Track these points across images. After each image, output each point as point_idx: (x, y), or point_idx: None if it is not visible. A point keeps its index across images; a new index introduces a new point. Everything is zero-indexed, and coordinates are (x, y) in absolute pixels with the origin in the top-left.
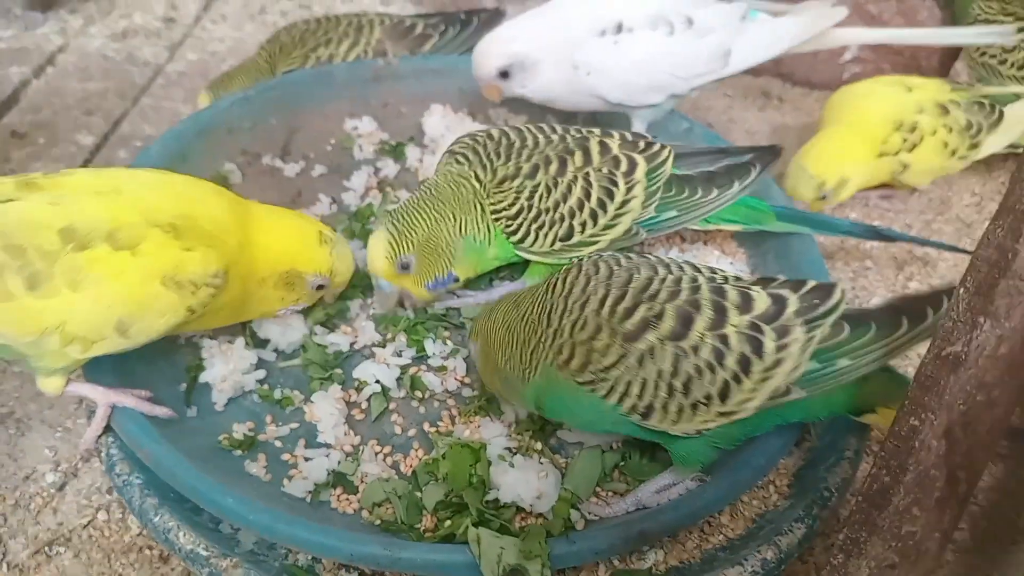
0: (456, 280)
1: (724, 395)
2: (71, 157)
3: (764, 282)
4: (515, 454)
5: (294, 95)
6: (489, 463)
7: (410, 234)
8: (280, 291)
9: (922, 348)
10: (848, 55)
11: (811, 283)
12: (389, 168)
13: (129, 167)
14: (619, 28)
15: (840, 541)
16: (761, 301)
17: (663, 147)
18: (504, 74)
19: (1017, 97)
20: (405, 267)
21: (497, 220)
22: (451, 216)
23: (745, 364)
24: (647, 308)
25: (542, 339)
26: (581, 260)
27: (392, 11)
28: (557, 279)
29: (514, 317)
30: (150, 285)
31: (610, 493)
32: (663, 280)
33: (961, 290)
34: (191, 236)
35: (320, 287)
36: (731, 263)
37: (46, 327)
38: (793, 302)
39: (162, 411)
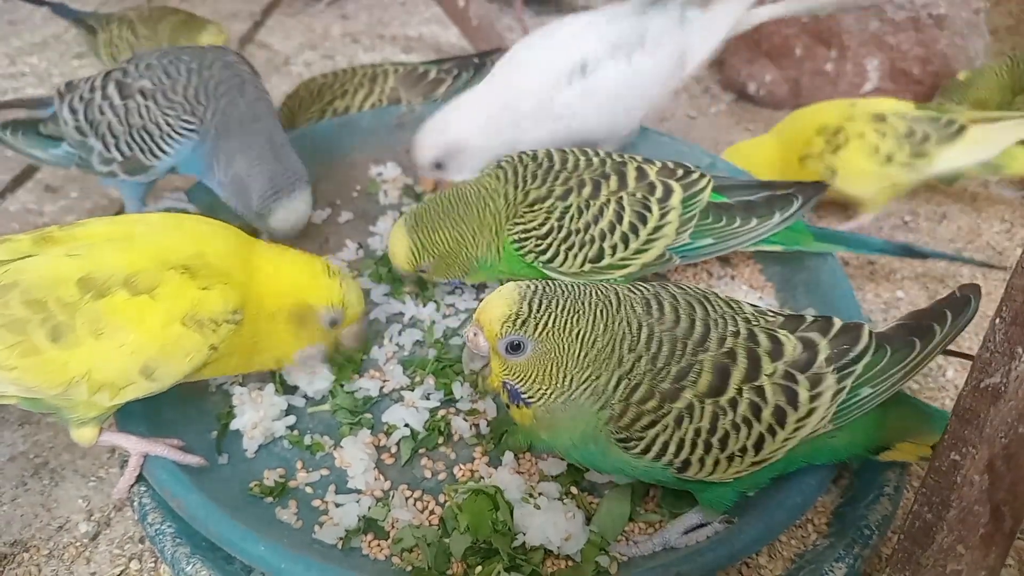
0: (463, 283)
1: (758, 447)
2: (103, 210)
3: (793, 323)
4: (540, 495)
5: (320, 144)
6: (511, 507)
7: (431, 247)
8: (293, 327)
9: (959, 379)
10: (868, 86)
11: (838, 324)
12: None
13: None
14: (584, 70)
15: None
16: (790, 346)
17: (702, 175)
18: (438, 165)
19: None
20: (423, 270)
21: (525, 239)
22: (471, 238)
23: (780, 416)
24: (696, 364)
25: (613, 391)
26: (646, 292)
27: (413, 59)
28: (635, 305)
29: (605, 339)
30: (171, 327)
31: (640, 527)
32: (716, 324)
33: (997, 320)
34: (206, 275)
35: (334, 323)
36: (760, 297)
37: (73, 377)
38: (824, 348)
39: (193, 459)
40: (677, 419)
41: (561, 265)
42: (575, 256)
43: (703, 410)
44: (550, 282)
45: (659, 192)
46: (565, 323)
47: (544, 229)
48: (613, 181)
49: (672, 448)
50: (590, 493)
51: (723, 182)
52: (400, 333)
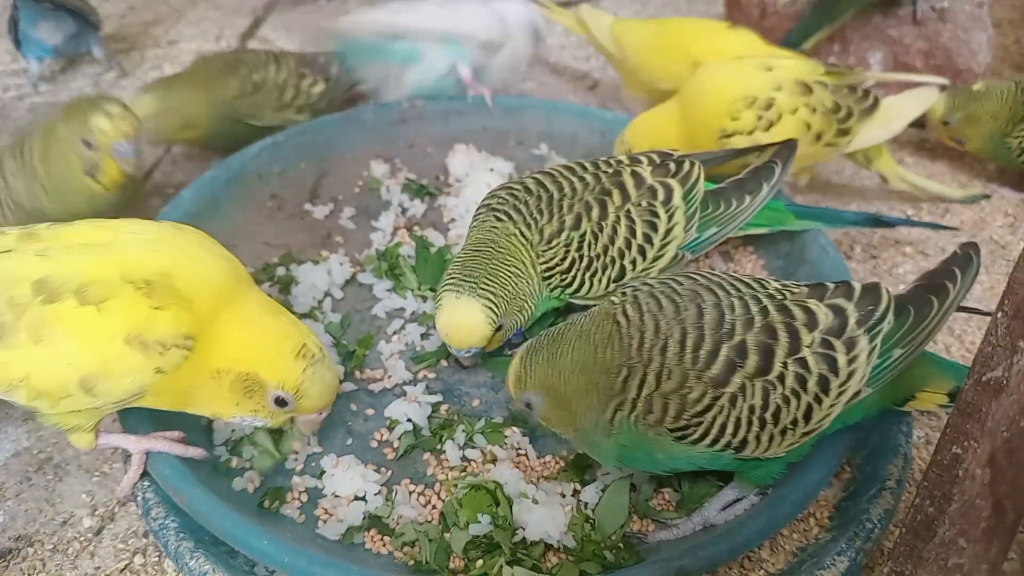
0: (523, 331)
1: (808, 416)
2: None
3: (818, 292)
4: (539, 490)
5: (322, 139)
6: (510, 501)
7: (503, 294)
8: (236, 394)
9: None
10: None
11: (858, 287)
12: (416, 208)
13: (158, 215)
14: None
15: (885, 575)
16: (822, 314)
17: (693, 164)
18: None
19: None
20: (499, 328)
21: (550, 276)
22: (524, 267)
23: (824, 384)
24: (728, 348)
25: (624, 390)
26: (635, 291)
27: None
28: (619, 317)
29: (590, 361)
30: (113, 344)
31: (650, 527)
32: (732, 308)
33: (999, 314)
34: (164, 295)
35: (281, 404)
36: None
37: (11, 379)
38: (852, 312)
39: (195, 452)
40: (731, 400)
41: (588, 292)
42: (599, 281)
43: (754, 388)
44: (542, 335)
45: (661, 195)
46: (548, 372)
47: (567, 263)
48: (616, 196)
49: (730, 428)
50: (590, 486)
51: (700, 157)
52: (402, 328)
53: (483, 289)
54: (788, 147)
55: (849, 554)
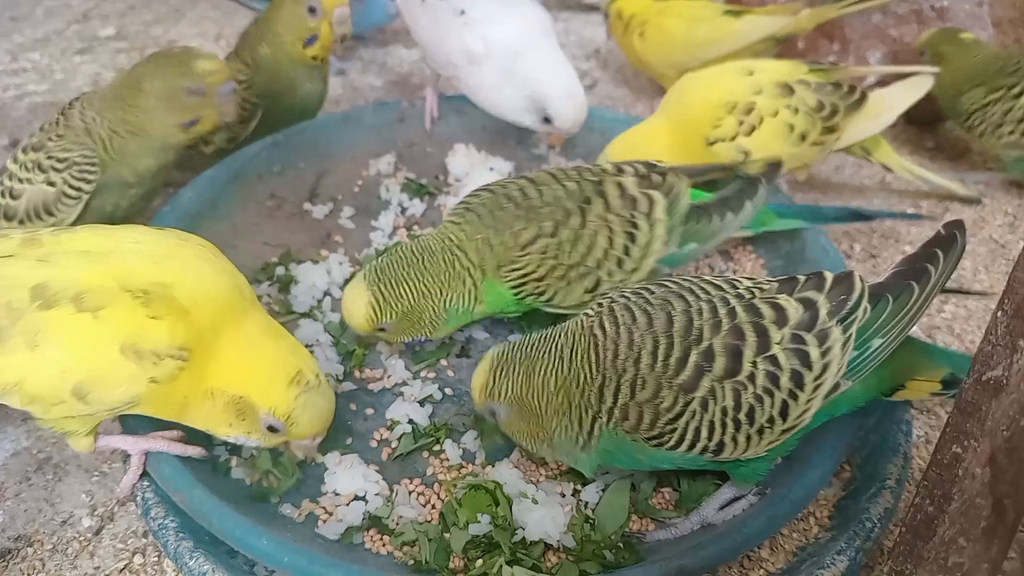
0: (430, 340)
1: (784, 413)
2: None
3: (789, 286)
4: (539, 490)
5: (322, 139)
6: (510, 501)
7: (395, 304)
8: (229, 415)
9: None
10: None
11: (830, 277)
12: (416, 207)
13: (157, 215)
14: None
15: (885, 574)
16: (792, 309)
17: (677, 177)
18: None
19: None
20: (382, 329)
21: (523, 284)
22: (438, 291)
23: (798, 379)
24: (697, 353)
25: (601, 401)
26: (611, 303)
27: (413, 55)
28: (595, 330)
29: (571, 381)
30: (107, 352)
31: (649, 526)
32: (700, 313)
33: (999, 313)
34: (161, 305)
35: (272, 430)
36: None
37: (5, 384)
38: (823, 304)
39: (195, 451)
40: (702, 404)
41: (562, 302)
42: (573, 291)
43: (724, 390)
44: (514, 345)
45: (643, 206)
46: (522, 388)
47: (541, 271)
48: (597, 204)
49: (704, 432)
50: (589, 486)
51: (688, 171)
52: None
53: (380, 288)
54: (774, 167)
55: (849, 553)
